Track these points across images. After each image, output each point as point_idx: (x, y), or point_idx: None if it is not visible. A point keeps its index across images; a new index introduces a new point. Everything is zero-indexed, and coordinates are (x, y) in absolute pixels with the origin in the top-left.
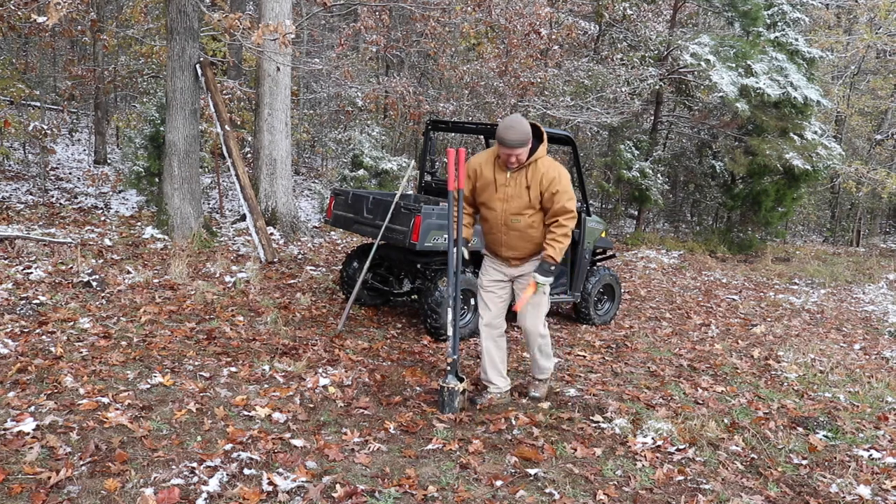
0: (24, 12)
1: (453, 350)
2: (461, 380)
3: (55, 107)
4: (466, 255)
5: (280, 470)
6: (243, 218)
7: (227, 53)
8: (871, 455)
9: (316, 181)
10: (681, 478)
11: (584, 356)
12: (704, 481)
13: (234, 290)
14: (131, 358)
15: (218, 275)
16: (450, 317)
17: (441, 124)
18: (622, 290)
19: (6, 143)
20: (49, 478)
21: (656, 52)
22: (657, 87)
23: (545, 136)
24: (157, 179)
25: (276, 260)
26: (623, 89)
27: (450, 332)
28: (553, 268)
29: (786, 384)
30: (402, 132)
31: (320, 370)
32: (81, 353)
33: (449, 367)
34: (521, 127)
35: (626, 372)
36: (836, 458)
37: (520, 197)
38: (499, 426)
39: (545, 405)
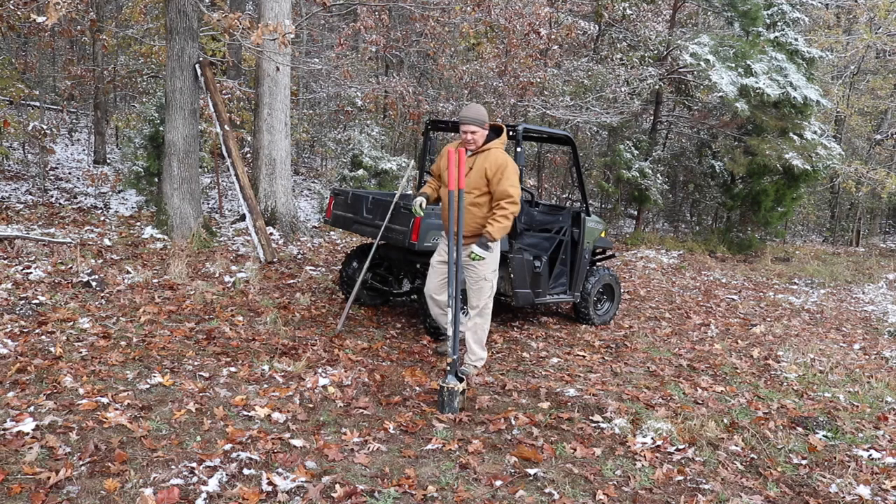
0: (23, 12)
1: (453, 350)
2: (461, 380)
3: (55, 107)
4: (424, 205)
5: (279, 470)
6: (243, 218)
7: (226, 53)
8: (870, 455)
9: (315, 181)
10: (680, 478)
11: (584, 356)
12: (704, 481)
13: (233, 290)
14: (131, 358)
15: (217, 275)
16: (450, 317)
17: (441, 124)
18: (622, 290)
19: (6, 143)
20: (48, 478)
21: (656, 51)
22: (657, 87)
23: (505, 132)
24: (156, 179)
25: (275, 260)
26: (623, 89)
27: (450, 331)
28: (490, 244)
29: (785, 384)
30: (401, 132)
31: (320, 370)
32: (81, 353)
33: (449, 367)
34: (477, 108)
35: (625, 372)
36: (835, 458)
37: (472, 177)
38: (498, 426)
39: (545, 405)
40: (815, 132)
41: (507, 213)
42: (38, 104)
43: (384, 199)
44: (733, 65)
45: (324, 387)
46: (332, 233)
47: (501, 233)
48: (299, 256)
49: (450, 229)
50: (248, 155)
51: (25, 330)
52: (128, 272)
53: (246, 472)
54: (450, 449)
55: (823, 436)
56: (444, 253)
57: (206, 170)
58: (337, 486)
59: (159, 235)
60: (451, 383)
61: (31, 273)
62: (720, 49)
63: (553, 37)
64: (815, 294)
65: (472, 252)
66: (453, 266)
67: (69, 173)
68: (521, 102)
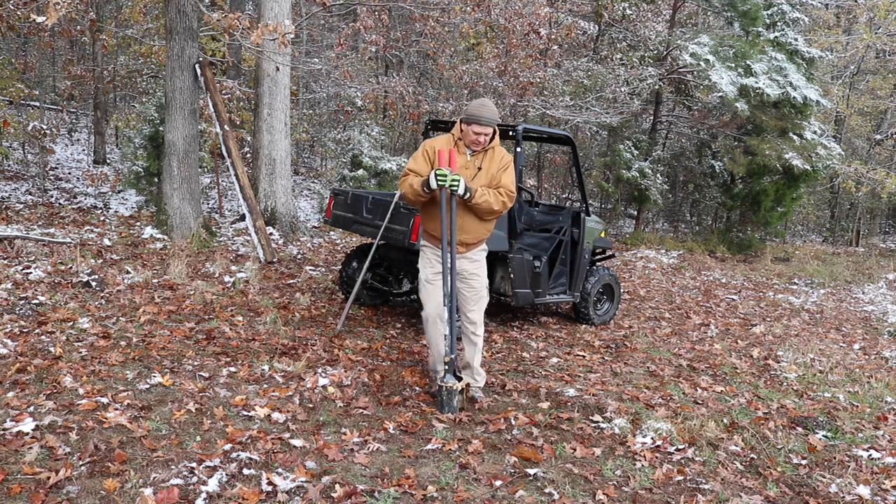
0: (23, 12)
1: (451, 349)
2: (460, 379)
3: (54, 107)
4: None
5: (279, 470)
6: (242, 218)
7: (226, 53)
8: (870, 455)
9: (315, 181)
10: (680, 478)
11: (584, 356)
12: (704, 481)
13: (233, 290)
14: (130, 358)
15: (217, 275)
16: (447, 316)
17: (440, 124)
18: (621, 290)
19: (6, 143)
20: (48, 478)
21: (656, 51)
22: (656, 86)
23: (497, 129)
24: (156, 179)
25: (275, 260)
26: (622, 89)
27: (448, 331)
28: (468, 194)
29: (785, 384)
30: (401, 132)
31: (319, 370)
32: (81, 353)
33: (447, 367)
34: (493, 107)
35: (625, 372)
36: (835, 458)
37: (479, 179)
38: (498, 426)
39: (545, 405)
40: (814, 132)
41: (504, 200)
42: (38, 104)
43: (384, 199)
44: (733, 65)
45: (324, 387)
46: (332, 233)
47: (490, 206)
48: (299, 256)
49: (443, 234)
50: (248, 155)
51: (25, 330)
52: (128, 272)
53: (246, 472)
54: (450, 449)
55: (823, 436)
56: (437, 264)
57: (206, 170)
58: (337, 486)
59: (159, 235)
60: (450, 382)
61: (30, 273)
62: (720, 49)
63: (553, 37)
64: (815, 294)
65: (458, 179)
66: (448, 269)
67: (69, 173)
68: (521, 102)
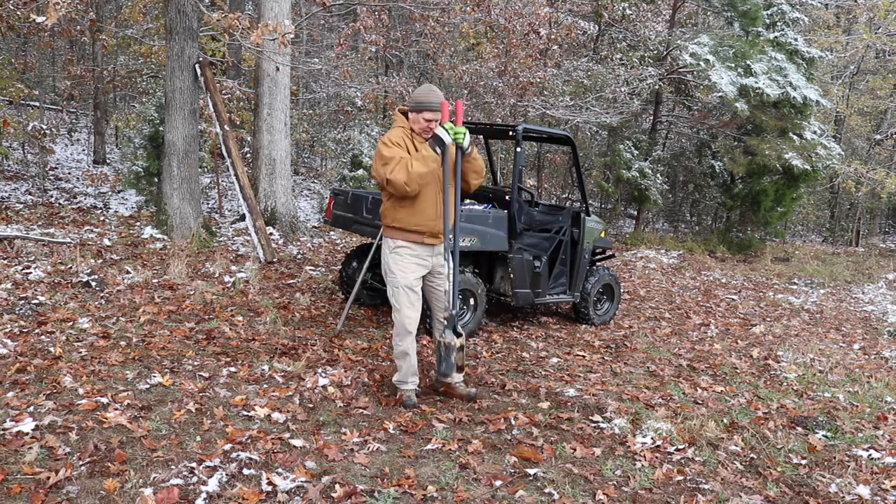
0: (23, 12)
1: (453, 305)
2: (459, 335)
3: (54, 107)
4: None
5: (279, 470)
6: (242, 218)
7: (226, 53)
8: (870, 455)
9: (315, 181)
10: (680, 478)
11: (584, 356)
12: (704, 481)
13: (233, 290)
14: (130, 358)
15: (217, 275)
16: (448, 273)
17: None
18: (621, 290)
19: (6, 143)
20: (48, 478)
21: (655, 51)
22: (656, 86)
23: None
24: (156, 179)
25: (275, 260)
26: (622, 89)
27: (448, 286)
28: (469, 147)
29: (785, 384)
30: None
31: (319, 370)
32: (80, 353)
33: (446, 322)
34: (438, 91)
35: (625, 372)
36: (835, 457)
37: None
38: (498, 426)
39: (545, 405)
40: (814, 132)
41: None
42: (37, 104)
43: None
44: (733, 65)
45: (324, 387)
46: (332, 233)
47: (481, 165)
48: (299, 256)
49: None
50: (248, 155)
51: (25, 330)
52: (128, 272)
53: (246, 472)
54: (450, 449)
55: (823, 436)
56: (416, 267)
57: (206, 170)
58: (337, 486)
59: (159, 235)
60: (448, 338)
61: (30, 273)
62: (720, 49)
63: (553, 37)
64: (815, 294)
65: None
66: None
67: (69, 173)
68: (521, 102)
